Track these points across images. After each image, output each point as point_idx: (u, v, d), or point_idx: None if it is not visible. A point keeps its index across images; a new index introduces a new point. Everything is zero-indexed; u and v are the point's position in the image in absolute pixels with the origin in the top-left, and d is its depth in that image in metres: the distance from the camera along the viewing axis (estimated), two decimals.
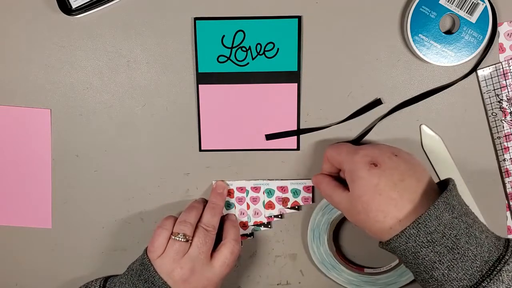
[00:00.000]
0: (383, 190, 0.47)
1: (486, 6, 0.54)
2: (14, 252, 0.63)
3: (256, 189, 0.60)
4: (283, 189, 0.59)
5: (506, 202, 0.59)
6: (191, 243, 0.54)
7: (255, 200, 0.60)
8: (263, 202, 0.60)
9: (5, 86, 0.59)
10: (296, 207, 0.60)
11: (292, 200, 0.60)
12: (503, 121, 0.57)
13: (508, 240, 0.47)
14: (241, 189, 0.60)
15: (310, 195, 0.60)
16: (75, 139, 0.60)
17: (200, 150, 0.60)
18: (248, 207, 0.60)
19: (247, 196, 0.60)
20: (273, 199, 0.60)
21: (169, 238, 0.54)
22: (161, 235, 0.54)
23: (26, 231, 0.62)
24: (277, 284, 0.63)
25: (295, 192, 0.59)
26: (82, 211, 0.61)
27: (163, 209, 0.61)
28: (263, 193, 0.60)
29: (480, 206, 0.59)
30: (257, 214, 0.60)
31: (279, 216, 0.60)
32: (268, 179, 0.60)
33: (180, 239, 0.54)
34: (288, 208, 0.60)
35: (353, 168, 0.49)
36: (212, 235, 0.55)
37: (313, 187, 0.60)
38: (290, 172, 0.60)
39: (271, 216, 0.60)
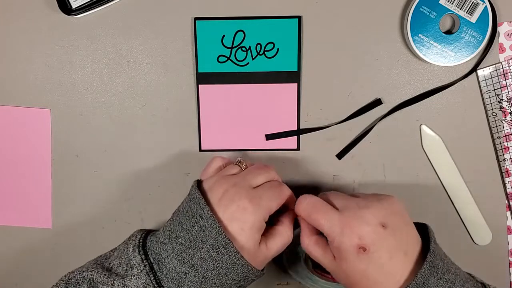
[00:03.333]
0: (371, 275, 0.45)
1: (486, 6, 0.54)
2: (14, 252, 0.63)
3: None
4: None
5: (506, 202, 0.59)
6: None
7: None
8: None
9: (5, 86, 0.59)
10: None
11: None
12: (503, 121, 0.57)
13: (483, 285, 0.47)
14: None
15: None
16: (75, 139, 0.60)
17: (200, 150, 0.60)
18: None
19: None
20: None
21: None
22: (215, 161, 0.52)
23: (26, 231, 0.62)
24: (277, 284, 0.63)
25: None
26: (82, 211, 0.61)
27: (163, 209, 0.61)
28: None
29: (480, 206, 0.59)
30: None
31: None
32: None
33: (236, 163, 0.51)
34: None
35: (340, 247, 0.46)
36: (270, 174, 0.50)
37: None
38: (290, 172, 0.60)
39: None
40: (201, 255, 0.45)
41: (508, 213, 0.59)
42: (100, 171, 0.61)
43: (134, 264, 0.46)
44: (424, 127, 0.58)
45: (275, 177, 0.51)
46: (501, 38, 0.56)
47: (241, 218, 0.46)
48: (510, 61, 0.57)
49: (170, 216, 0.50)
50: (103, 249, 0.62)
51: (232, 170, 0.50)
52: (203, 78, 0.58)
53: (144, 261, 0.46)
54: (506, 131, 0.58)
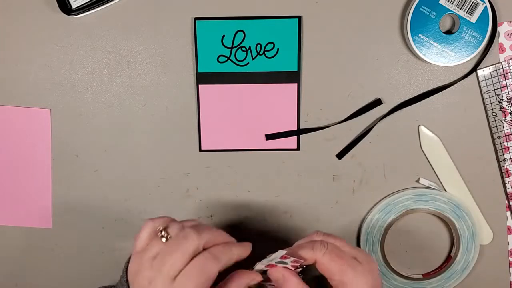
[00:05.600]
0: None
1: (486, 6, 0.54)
2: (14, 252, 0.63)
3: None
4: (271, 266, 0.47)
5: (506, 202, 0.59)
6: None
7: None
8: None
9: (5, 86, 0.59)
10: (298, 266, 0.47)
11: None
12: (503, 121, 0.57)
13: None
14: None
15: (292, 258, 0.46)
16: (75, 139, 0.60)
17: (200, 150, 0.60)
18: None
19: None
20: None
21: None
22: (146, 227, 0.46)
23: (26, 231, 0.62)
24: None
25: (282, 263, 0.47)
26: (82, 211, 0.61)
27: (163, 209, 0.61)
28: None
29: (480, 206, 0.59)
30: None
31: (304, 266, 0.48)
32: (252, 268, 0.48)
33: (161, 236, 0.45)
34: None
35: None
36: (191, 246, 0.43)
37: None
38: (290, 172, 0.60)
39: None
40: None
41: (508, 213, 0.59)
42: (100, 171, 0.61)
43: None
44: (422, 128, 0.58)
45: (199, 247, 0.43)
46: (501, 38, 0.56)
47: None
48: (510, 61, 0.57)
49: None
50: (103, 249, 0.62)
51: (155, 248, 0.44)
52: (203, 78, 0.58)
53: None
54: (506, 131, 0.58)
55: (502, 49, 0.57)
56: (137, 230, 0.61)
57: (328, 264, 0.45)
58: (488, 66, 0.57)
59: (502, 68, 0.57)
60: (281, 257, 0.45)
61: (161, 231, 0.45)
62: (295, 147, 0.59)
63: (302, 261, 0.46)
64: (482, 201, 0.59)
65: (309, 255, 0.46)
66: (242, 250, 0.46)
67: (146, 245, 0.45)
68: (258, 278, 0.46)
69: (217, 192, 0.61)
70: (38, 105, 0.60)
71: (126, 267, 0.46)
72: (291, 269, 0.46)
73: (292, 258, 0.45)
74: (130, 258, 0.47)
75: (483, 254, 0.60)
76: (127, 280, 0.45)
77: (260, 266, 0.46)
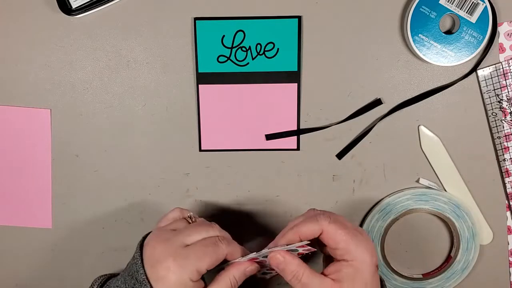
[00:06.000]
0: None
1: (486, 6, 0.54)
2: (14, 252, 0.63)
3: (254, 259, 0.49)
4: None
5: (506, 202, 0.59)
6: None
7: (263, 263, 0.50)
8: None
9: (5, 86, 0.59)
10: (305, 253, 0.49)
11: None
12: (503, 121, 0.57)
13: None
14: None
15: (308, 247, 0.47)
16: (75, 139, 0.60)
17: (200, 150, 0.60)
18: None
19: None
20: None
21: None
22: (173, 212, 0.51)
23: (26, 231, 0.62)
24: (277, 284, 0.63)
25: (294, 250, 0.48)
26: (82, 211, 0.61)
27: (163, 209, 0.61)
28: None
29: (480, 206, 0.59)
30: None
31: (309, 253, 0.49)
32: (256, 252, 0.48)
33: (186, 218, 0.50)
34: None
35: (366, 270, 0.46)
36: (209, 232, 0.48)
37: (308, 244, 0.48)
38: (290, 172, 0.60)
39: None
40: None
41: (508, 213, 0.60)
42: (100, 171, 0.61)
43: None
44: (422, 128, 0.58)
45: (215, 235, 0.48)
46: (501, 38, 0.56)
47: (165, 278, 0.45)
48: (510, 61, 0.57)
49: None
50: (103, 249, 0.62)
51: (177, 225, 0.49)
52: (203, 78, 0.58)
53: None
54: (506, 131, 0.58)
55: (502, 49, 0.57)
56: (137, 230, 0.62)
57: (334, 233, 0.46)
58: (488, 66, 0.57)
59: (502, 68, 0.57)
60: (298, 246, 0.46)
61: (189, 217, 0.51)
62: (295, 147, 0.60)
63: (314, 249, 0.47)
64: (482, 201, 0.59)
65: (315, 226, 0.46)
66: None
67: (170, 224, 0.50)
68: (255, 267, 0.49)
69: (217, 192, 0.61)
70: (38, 105, 0.60)
71: (140, 244, 0.48)
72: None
73: (307, 248, 0.46)
74: (144, 236, 0.49)
75: (483, 254, 0.60)
76: (141, 254, 0.47)
77: (265, 250, 0.47)
